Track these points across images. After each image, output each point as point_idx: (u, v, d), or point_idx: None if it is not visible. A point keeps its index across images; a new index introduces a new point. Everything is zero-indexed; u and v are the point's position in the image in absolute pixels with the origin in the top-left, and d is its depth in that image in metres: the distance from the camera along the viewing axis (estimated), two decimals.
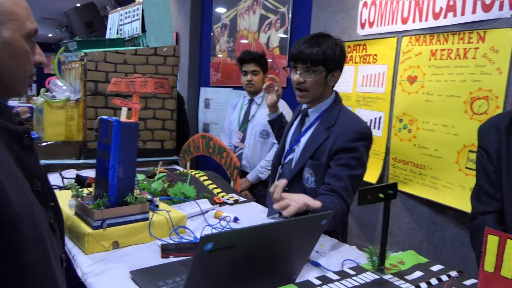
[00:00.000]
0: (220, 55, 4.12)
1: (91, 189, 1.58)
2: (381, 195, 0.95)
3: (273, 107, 1.94)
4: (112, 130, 1.29)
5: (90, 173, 2.23)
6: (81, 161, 2.49)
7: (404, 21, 2.22)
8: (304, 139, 1.63)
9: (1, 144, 0.83)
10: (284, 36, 3.21)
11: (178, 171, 2.26)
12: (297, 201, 1.26)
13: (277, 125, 1.98)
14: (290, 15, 3.15)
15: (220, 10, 4.10)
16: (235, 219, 1.64)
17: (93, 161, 2.47)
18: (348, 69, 2.55)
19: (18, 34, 0.83)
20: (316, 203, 1.27)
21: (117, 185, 1.31)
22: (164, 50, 2.65)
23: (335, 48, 1.53)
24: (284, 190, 1.61)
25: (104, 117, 1.34)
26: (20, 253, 0.80)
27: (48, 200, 0.95)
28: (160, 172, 2.04)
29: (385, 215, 0.97)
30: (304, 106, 1.70)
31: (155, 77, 1.35)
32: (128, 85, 1.39)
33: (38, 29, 0.90)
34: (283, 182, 1.29)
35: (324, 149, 1.52)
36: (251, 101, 2.79)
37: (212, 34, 4.24)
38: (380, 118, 2.38)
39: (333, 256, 1.34)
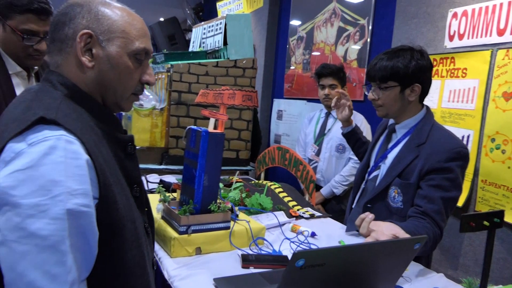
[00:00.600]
0: (294, 67, 4.14)
1: (175, 194, 1.66)
2: (486, 223, 0.87)
3: (346, 121, 1.91)
4: (200, 140, 1.34)
5: (170, 178, 2.35)
6: (162, 166, 2.62)
7: (500, 33, 2.06)
8: (391, 156, 1.58)
9: (109, 151, 0.90)
10: (362, 48, 3.14)
11: (253, 182, 2.29)
12: (385, 233, 1.21)
13: (353, 138, 1.94)
14: (370, 27, 3.07)
15: (296, 22, 4.13)
16: (313, 234, 1.61)
17: (174, 167, 2.62)
18: (433, 83, 2.41)
19: (122, 51, 0.88)
20: (406, 236, 1.21)
21: (202, 193, 1.36)
22: (244, 62, 2.73)
23: (409, 62, 1.47)
24: (366, 208, 1.57)
25: (193, 127, 1.40)
26: (122, 254, 0.86)
27: (145, 205, 1.01)
28: (236, 182, 2.08)
29: (489, 245, 0.89)
30: (391, 121, 1.65)
31: (243, 90, 1.38)
32: (216, 96, 1.44)
33: (151, 50, 0.95)
34: (370, 217, 1.25)
35: (414, 168, 1.46)
36: (328, 115, 2.75)
37: (287, 46, 4.28)
38: (468, 137, 2.22)
39: (420, 282, 1.26)
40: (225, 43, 2.75)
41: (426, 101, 2.44)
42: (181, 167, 2.60)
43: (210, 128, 1.41)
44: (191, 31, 6.30)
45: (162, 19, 6.48)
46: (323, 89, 2.67)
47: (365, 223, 1.23)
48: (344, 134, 1.97)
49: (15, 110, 0.81)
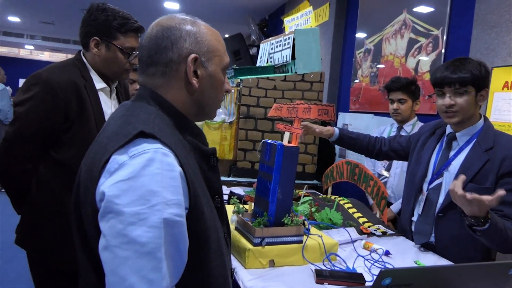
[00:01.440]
0: (360, 80, 4.06)
1: (246, 206, 1.69)
2: None
3: (327, 135, 1.98)
4: (275, 153, 1.36)
5: (238, 190, 2.40)
6: (230, 178, 2.69)
7: None
8: (456, 163, 1.60)
9: (195, 162, 0.94)
10: (436, 60, 3.01)
11: (321, 196, 2.27)
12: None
13: (344, 141, 2.03)
14: (444, 38, 2.94)
15: (362, 35, 4.06)
16: (386, 253, 1.56)
17: (241, 179, 2.67)
18: None
19: (218, 68, 0.96)
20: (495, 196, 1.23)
21: (276, 206, 1.38)
22: (311, 76, 2.73)
23: (479, 68, 1.54)
24: (438, 217, 1.60)
25: (268, 140, 1.43)
26: (207, 263, 0.89)
27: (225, 216, 1.05)
28: (304, 196, 2.07)
29: None
30: (449, 130, 1.68)
31: (319, 104, 1.39)
32: (290, 110, 1.46)
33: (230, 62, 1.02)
34: (462, 177, 1.29)
35: (487, 172, 1.49)
36: (399, 129, 2.66)
37: (353, 59, 4.22)
38: None
39: None
40: (293, 57, 2.79)
41: (506, 115, 2.28)
42: (248, 179, 2.66)
43: (285, 142, 1.43)
44: (255, 46, 6.45)
45: (227, 36, 6.71)
46: (392, 104, 2.59)
47: (459, 182, 1.28)
48: (334, 142, 2.05)
49: (116, 124, 0.88)
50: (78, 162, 1.45)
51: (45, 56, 15.41)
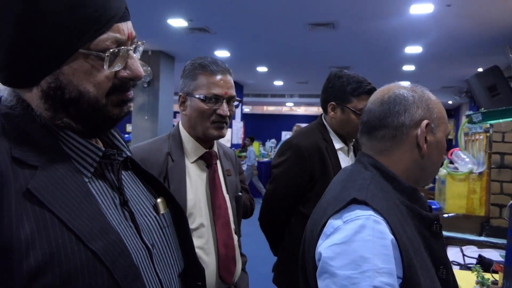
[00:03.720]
0: None
1: (496, 276, 1.44)
2: None
3: None
4: None
5: (493, 254, 2.05)
6: (482, 238, 2.33)
7: None
8: None
9: (414, 229, 0.91)
10: None
11: None
12: None
13: None
14: None
15: None
16: None
17: (497, 240, 2.27)
18: None
19: (443, 135, 0.98)
20: None
21: None
22: None
23: None
24: None
25: None
26: None
27: None
28: None
29: None
30: None
31: None
32: None
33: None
34: None
35: None
36: None
37: None
38: None
39: None
40: None
41: None
42: (506, 241, 2.22)
43: None
44: None
45: (480, 70, 6.00)
46: None
47: None
48: None
49: (336, 188, 0.97)
50: None
51: (301, 110, 17.73)
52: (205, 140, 1.34)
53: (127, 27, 0.66)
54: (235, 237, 1.35)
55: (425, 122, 0.93)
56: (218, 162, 1.38)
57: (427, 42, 6.17)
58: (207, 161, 1.33)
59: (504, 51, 5.60)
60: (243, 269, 1.45)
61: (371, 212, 0.84)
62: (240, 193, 1.42)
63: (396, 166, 0.95)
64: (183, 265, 0.79)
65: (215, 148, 1.39)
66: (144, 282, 0.64)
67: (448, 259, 0.95)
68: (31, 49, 0.59)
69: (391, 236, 0.81)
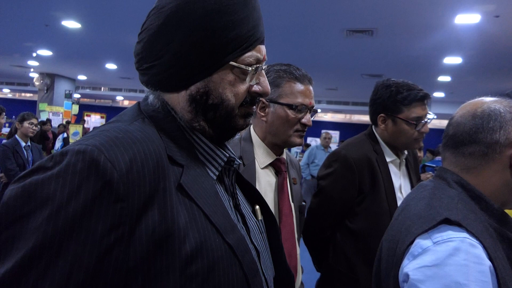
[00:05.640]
0: None
1: None
2: None
3: None
4: None
5: None
6: None
7: None
8: None
9: (503, 254, 0.85)
10: None
11: None
12: None
13: None
14: None
15: None
16: None
17: None
18: None
19: None
20: None
21: None
22: None
23: None
24: None
25: None
26: None
27: None
28: None
29: None
30: None
31: None
32: None
33: None
34: None
35: None
36: None
37: None
38: None
39: None
40: None
41: None
42: None
43: None
44: None
45: None
46: None
47: None
48: None
49: (417, 206, 0.91)
50: (369, 232, 1.55)
51: (327, 117, 17.58)
52: (281, 147, 1.33)
53: (264, 49, 0.74)
54: (298, 247, 1.31)
55: None
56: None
57: (469, 53, 5.99)
58: (276, 167, 1.31)
59: None
60: (301, 281, 1.40)
61: (465, 234, 0.78)
62: (304, 203, 1.37)
63: (484, 187, 0.88)
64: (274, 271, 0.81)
65: (284, 156, 1.36)
66: (261, 279, 0.69)
67: None
68: (195, 58, 0.66)
69: (488, 262, 0.75)
